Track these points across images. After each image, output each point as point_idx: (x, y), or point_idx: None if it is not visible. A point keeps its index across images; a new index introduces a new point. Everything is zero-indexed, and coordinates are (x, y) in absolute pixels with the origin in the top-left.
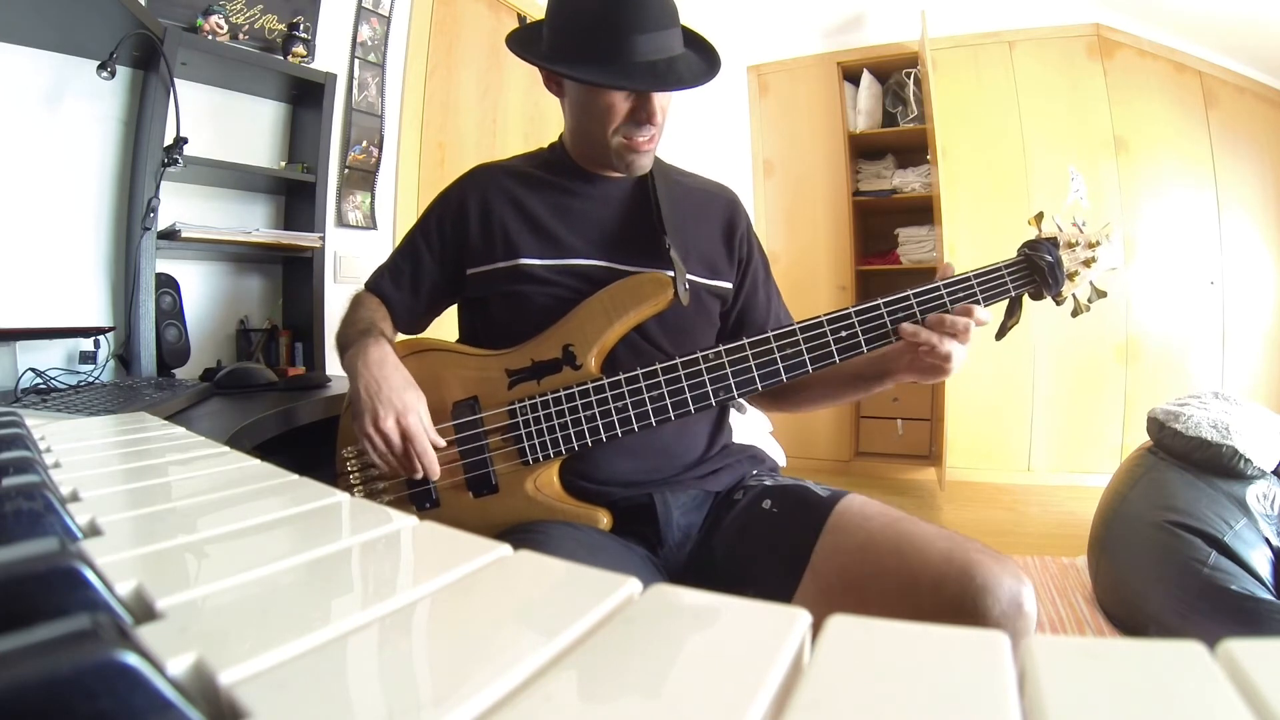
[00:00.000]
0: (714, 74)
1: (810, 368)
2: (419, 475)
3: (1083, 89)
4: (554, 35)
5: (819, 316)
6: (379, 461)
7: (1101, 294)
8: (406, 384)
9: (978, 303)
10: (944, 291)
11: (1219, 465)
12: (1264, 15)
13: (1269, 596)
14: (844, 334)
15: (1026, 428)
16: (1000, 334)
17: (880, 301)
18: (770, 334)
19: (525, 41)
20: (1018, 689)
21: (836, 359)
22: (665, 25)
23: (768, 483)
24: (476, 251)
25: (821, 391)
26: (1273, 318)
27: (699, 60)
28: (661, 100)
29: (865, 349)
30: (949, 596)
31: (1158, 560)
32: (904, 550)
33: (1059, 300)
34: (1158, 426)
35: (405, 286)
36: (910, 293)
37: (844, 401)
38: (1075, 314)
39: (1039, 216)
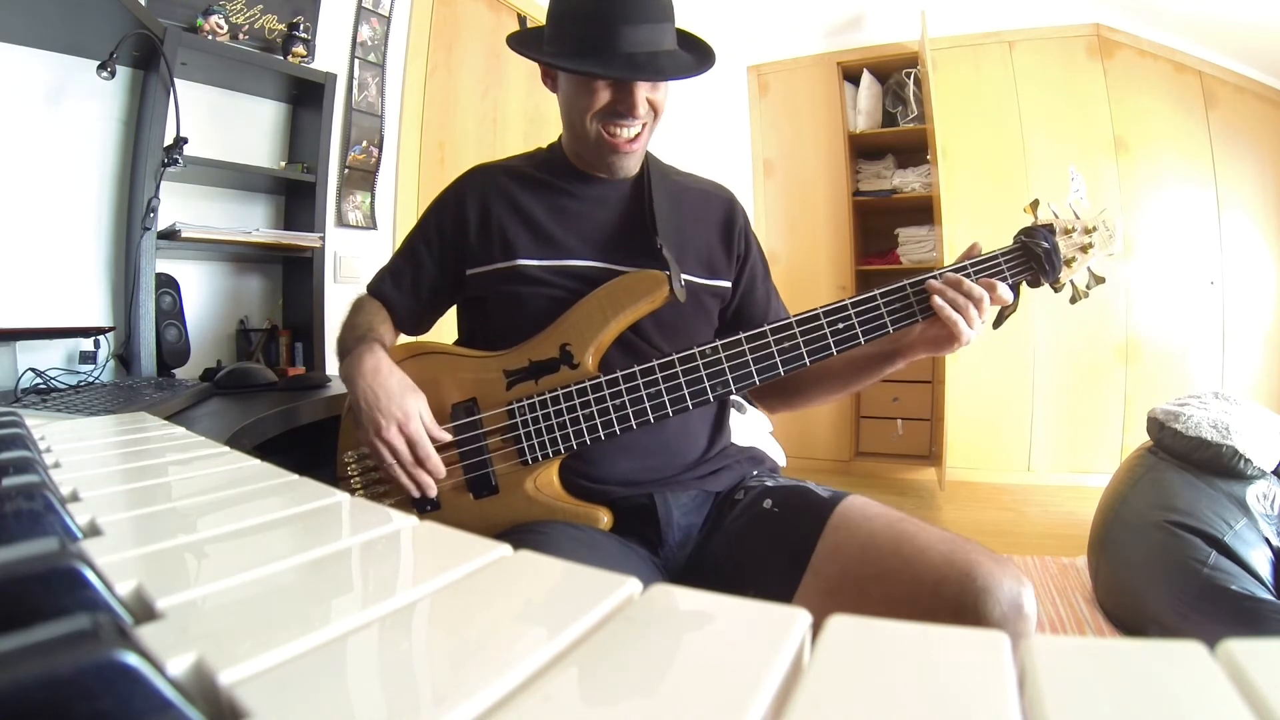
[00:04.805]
0: (698, 71)
1: (808, 360)
2: (432, 491)
3: (1083, 89)
4: (551, 31)
5: (815, 310)
6: (388, 473)
7: (1100, 280)
8: (404, 388)
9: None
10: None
11: (1219, 465)
12: (1264, 15)
13: (1269, 596)
14: (840, 326)
15: (1026, 428)
16: (998, 323)
17: (877, 293)
18: (767, 328)
19: (526, 41)
20: (1018, 689)
21: (834, 351)
22: (653, 19)
23: (769, 483)
24: (475, 252)
25: (831, 382)
26: (1273, 318)
27: (689, 59)
28: (648, 94)
29: (862, 340)
30: (949, 598)
31: (1158, 560)
32: (905, 552)
33: (1057, 287)
34: (1158, 426)
35: (406, 289)
36: (907, 283)
37: (857, 388)
38: (1074, 300)
39: (1034, 204)
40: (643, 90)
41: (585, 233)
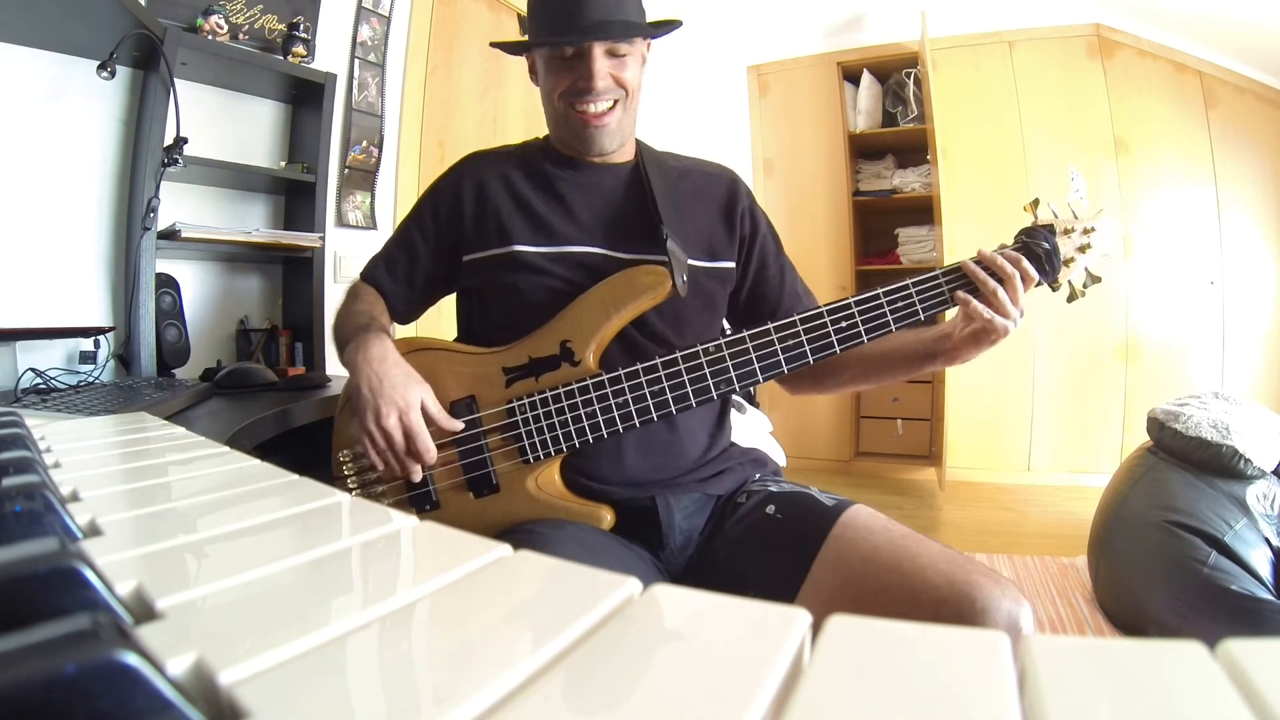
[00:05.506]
0: (649, 34)
1: (811, 359)
2: (416, 478)
3: (1082, 89)
4: (529, 25)
5: (819, 307)
6: (377, 459)
7: (1096, 279)
8: (409, 378)
9: (975, 291)
10: (943, 280)
11: (1219, 465)
12: (1264, 15)
13: (1269, 596)
14: (844, 324)
15: (1026, 428)
16: None
17: (880, 291)
18: (770, 326)
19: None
20: (1018, 689)
21: (837, 349)
22: None
23: (772, 488)
24: (472, 238)
25: (863, 371)
26: (1273, 318)
27: (644, 26)
28: (612, 70)
29: (865, 339)
30: (948, 618)
31: (1158, 560)
32: (906, 569)
33: (1055, 286)
34: (1158, 426)
35: (401, 277)
36: (909, 282)
37: (893, 380)
38: (1071, 299)
39: (1034, 203)
40: (601, 64)
41: (582, 219)
